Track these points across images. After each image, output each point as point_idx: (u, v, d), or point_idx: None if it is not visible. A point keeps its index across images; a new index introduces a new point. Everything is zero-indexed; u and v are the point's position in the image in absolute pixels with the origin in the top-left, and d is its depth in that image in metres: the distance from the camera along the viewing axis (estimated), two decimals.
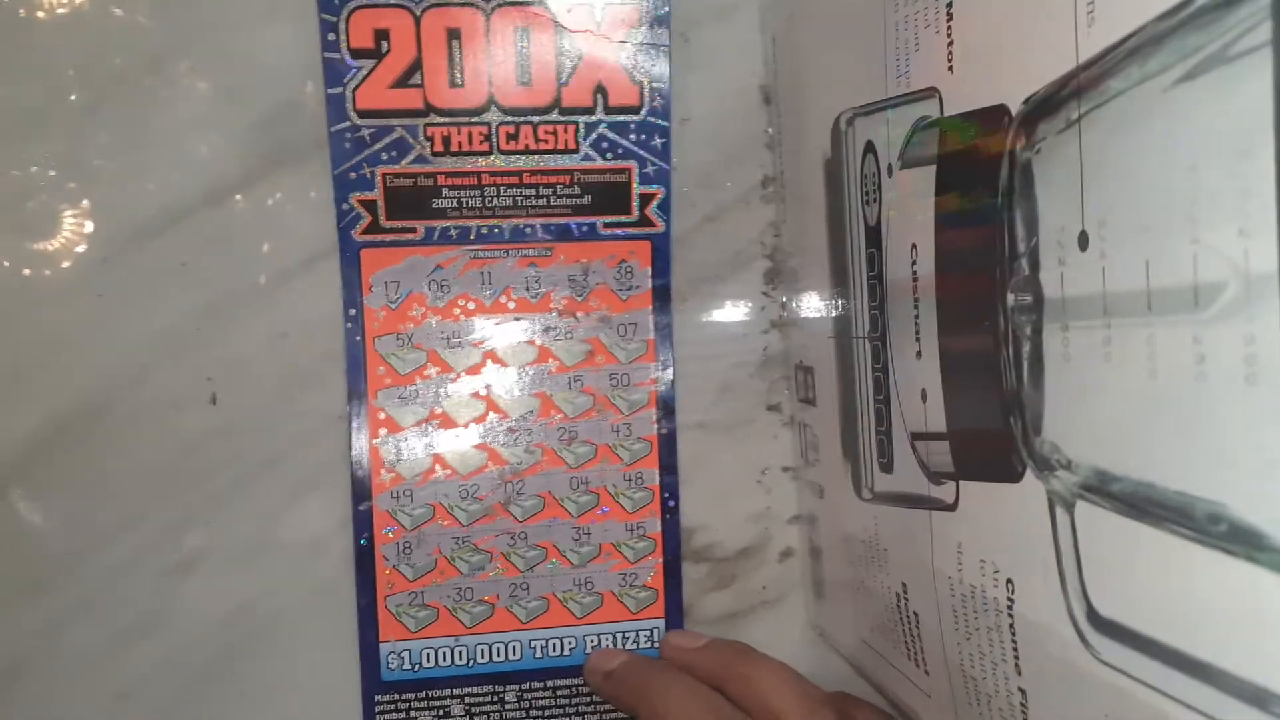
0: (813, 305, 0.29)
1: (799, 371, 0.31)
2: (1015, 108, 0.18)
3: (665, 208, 0.30)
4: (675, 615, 0.31)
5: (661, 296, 0.31)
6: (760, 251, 0.32)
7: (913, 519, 0.23)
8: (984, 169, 0.19)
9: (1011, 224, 0.18)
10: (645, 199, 0.30)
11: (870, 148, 0.24)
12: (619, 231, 0.30)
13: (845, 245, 0.26)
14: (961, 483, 0.20)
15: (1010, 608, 0.19)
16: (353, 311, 0.29)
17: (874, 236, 0.24)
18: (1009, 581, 0.19)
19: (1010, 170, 0.18)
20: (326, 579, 0.29)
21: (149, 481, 0.28)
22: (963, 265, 0.20)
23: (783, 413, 0.32)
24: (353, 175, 0.29)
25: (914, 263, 0.22)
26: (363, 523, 0.29)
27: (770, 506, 0.32)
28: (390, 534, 0.29)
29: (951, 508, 0.21)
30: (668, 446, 0.31)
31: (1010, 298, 0.18)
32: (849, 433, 0.27)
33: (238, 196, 0.28)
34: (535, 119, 0.29)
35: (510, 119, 0.29)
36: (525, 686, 0.30)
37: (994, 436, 0.19)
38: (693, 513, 0.31)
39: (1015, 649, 0.18)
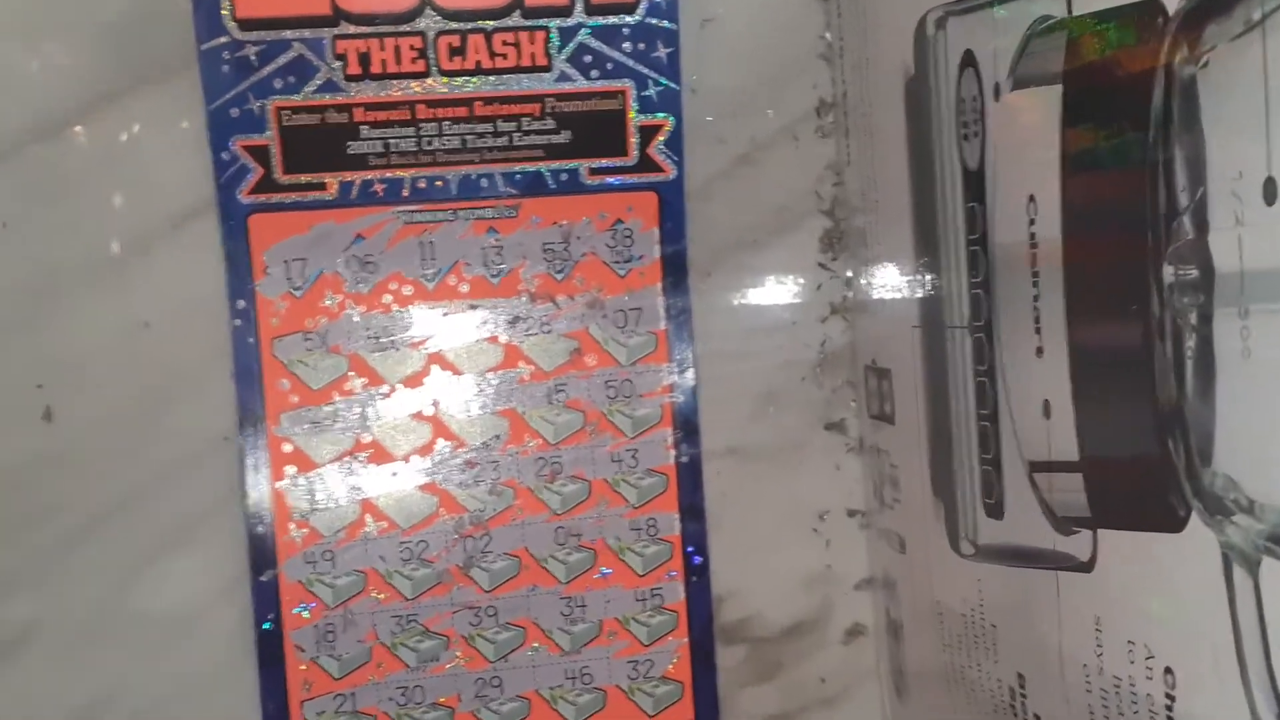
0: (889, 282, 0.29)
1: (870, 375, 0.31)
2: (1173, 3, 0.18)
3: (676, 145, 0.30)
4: (709, 717, 0.31)
5: (675, 270, 0.31)
6: (815, 206, 0.32)
7: (1032, 584, 0.23)
8: (1129, 90, 0.19)
9: (1168, 167, 0.18)
10: (647, 134, 0.30)
11: (970, 60, 0.24)
12: (612, 180, 0.30)
13: (935, 197, 0.26)
14: (1100, 532, 0.21)
15: (1170, 708, 0.19)
16: (241, 303, 0.29)
17: (975, 185, 0.24)
18: (1168, 671, 0.19)
19: (1167, 91, 0.18)
20: (208, 668, 0.29)
21: None
22: (1101, 226, 0.20)
23: (848, 433, 0.32)
24: (234, 112, 0.29)
25: (1032, 222, 0.22)
26: (266, 599, 0.29)
27: (831, 565, 0.32)
28: (305, 614, 0.29)
29: (1086, 567, 0.21)
30: (689, 481, 0.31)
31: (1168, 271, 0.18)
32: (941, 462, 0.27)
33: (78, 129, 0.28)
34: (489, 24, 0.29)
35: (454, 25, 0.29)
36: None
37: (1146, 467, 0.19)
38: (725, 574, 0.31)
39: None
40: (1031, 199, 0.22)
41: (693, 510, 0.31)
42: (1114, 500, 0.20)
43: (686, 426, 0.31)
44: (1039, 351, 0.22)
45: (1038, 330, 0.22)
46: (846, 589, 0.32)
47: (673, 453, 0.31)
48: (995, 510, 0.24)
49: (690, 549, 0.31)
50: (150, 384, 0.29)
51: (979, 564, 0.25)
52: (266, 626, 0.29)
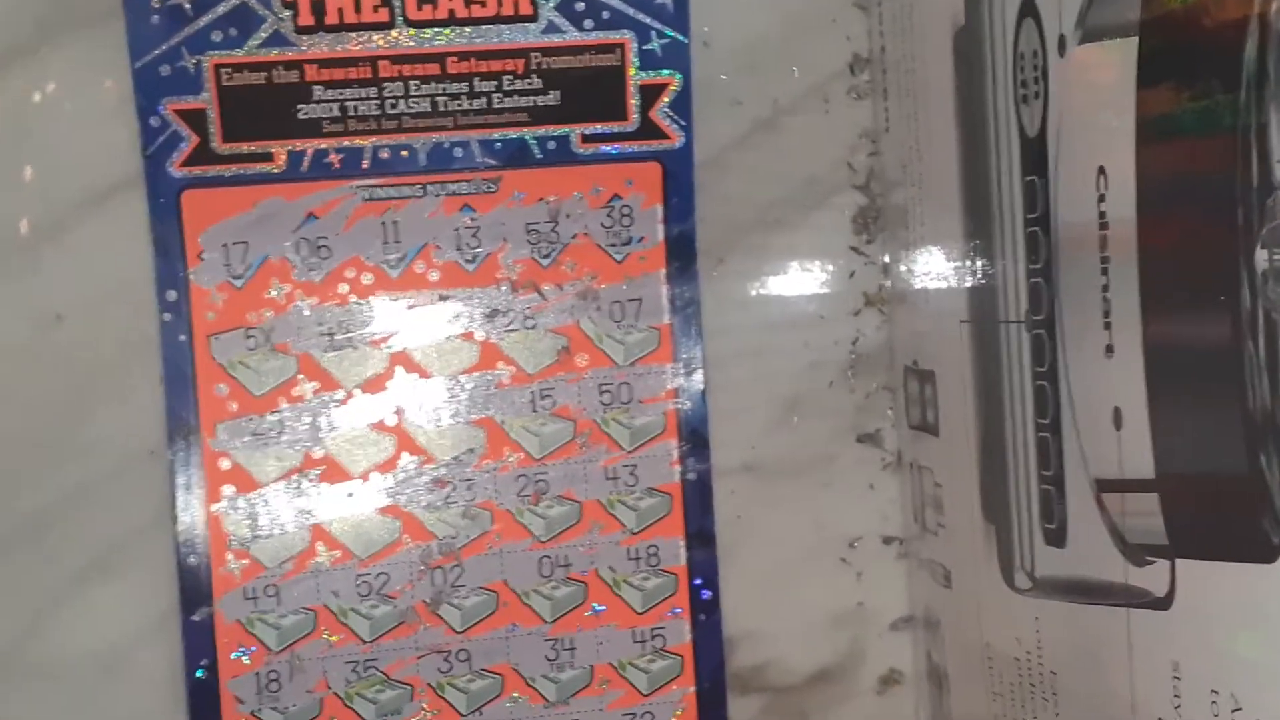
0: (933, 269, 0.29)
1: (911, 378, 0.31)
2: None
3: (684, 108, 0.30)
4: None
5: (681, 255, 0.31)
6: (847, 179, 0.32)
7: (1099, 623, 0.23)
8: (1218, 42, 0.19)
9: (1263, 134, 0.18)
10: (650, 94, 0.30)
11: (1030, 9, 0.24)
12: (608, 149, 0.30)
13: (988, 170, 0.26)
14: (1179, 563, 0.21)
15: None
16: (171, 294, 0.29)
17: (1036, 155, 0.24)
18: None
19: (1262, 44, 0.18)
20: None
21: None
22: (1183, 203, 0.20)
23: (884, 446, 0.32)
24: (165, 70, 0.29)
25: (1102, 198, 0.22)
26: (199, 642, 0.29)
27: (863, 602, 0.32)
28: (245, 659, 0.29)
29: (1163, 604, 0.21)
30: (697, 502, 0.31)
31: (1261, 256, 0.18)
32: (993, 480, 0.27)
33: None
34: None
35: None
36: None
37: (1233, 487, 0.19)
38: (738, 611, 0.31)
39: None
40: (1101, 172, 0.22)
41: (701, 536, 0.31)
42: (1196, 525, 0.20)
43: (694, 438, 0.31)
44: (1109, 350, 0.22)
45: (1108, 326, 0.22)
46: (881, 629, 0.32)
47: (678, 469, 0.31)
48: (1056, 537, 0.24)
49: (698, 582, 0.31)
50: (64, 388, 0.29)
51: (1037, 600, 0.25)
52: (200, 674, 0.29)
